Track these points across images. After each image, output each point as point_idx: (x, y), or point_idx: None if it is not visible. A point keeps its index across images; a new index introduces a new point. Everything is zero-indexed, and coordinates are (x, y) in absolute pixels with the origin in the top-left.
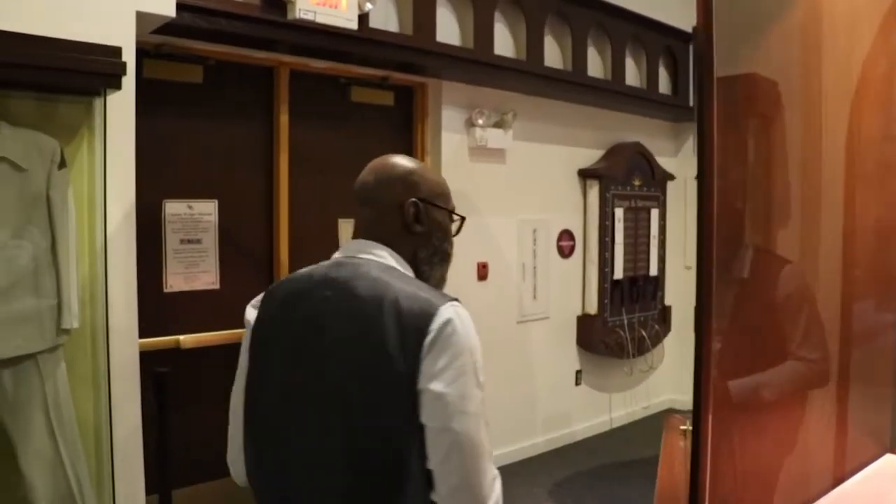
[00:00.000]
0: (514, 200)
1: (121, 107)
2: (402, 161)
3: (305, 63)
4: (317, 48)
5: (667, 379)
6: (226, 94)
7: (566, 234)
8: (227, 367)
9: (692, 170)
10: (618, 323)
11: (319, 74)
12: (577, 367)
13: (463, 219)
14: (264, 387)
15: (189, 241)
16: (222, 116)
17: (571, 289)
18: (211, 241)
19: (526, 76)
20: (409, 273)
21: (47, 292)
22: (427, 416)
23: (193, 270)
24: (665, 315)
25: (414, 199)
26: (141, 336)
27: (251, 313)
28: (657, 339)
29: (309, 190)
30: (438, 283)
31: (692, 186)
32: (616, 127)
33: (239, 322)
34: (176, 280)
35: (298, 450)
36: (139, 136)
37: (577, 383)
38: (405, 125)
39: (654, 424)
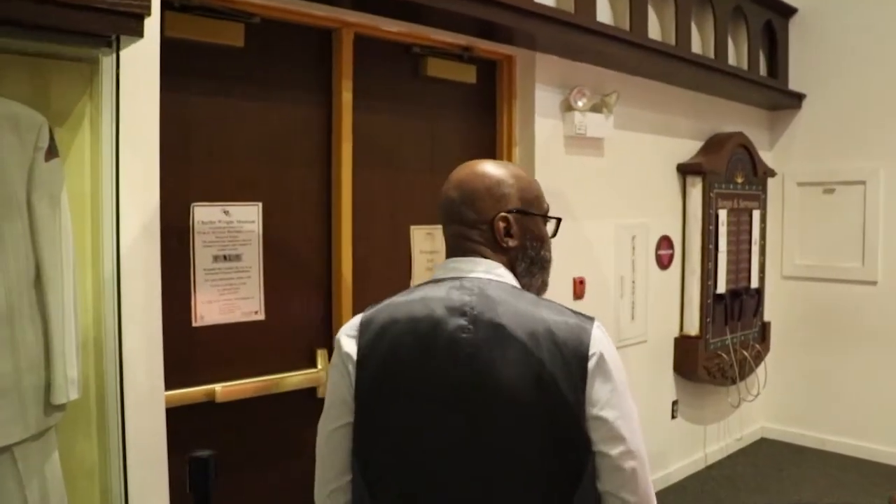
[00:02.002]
0: (612, 201)
1: (140, 67)
2: (487, 170)
3: (374, 25)
4: (387, 2)
5: (758, 403)
6: (273, 62)
7: (665, 241)
8: (283, 425)
9: (790, 165)
10: (720, 345)
11: (388, 41)
12: (674, 398)
13: (559, 220)
14: (393, 431)
15: (225, 258)
16: (268, 92)
17: (670, 306)
18: (253, 257)
19: (630, 49)
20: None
21: (30, 351)
22: (604, 444)
23: (231, 297)
24: (765, 333)
25: (503, 214)
26: None
27: (349, 344)
28: (758, 361)
29: (375, 189)
30: (539, 290)
31: (790, 185)
32: (714, 115)
33: (293, 363)
34: (208, 310)
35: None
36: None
37: (674, 416)
38: (489, 107)
39: (749, 459)
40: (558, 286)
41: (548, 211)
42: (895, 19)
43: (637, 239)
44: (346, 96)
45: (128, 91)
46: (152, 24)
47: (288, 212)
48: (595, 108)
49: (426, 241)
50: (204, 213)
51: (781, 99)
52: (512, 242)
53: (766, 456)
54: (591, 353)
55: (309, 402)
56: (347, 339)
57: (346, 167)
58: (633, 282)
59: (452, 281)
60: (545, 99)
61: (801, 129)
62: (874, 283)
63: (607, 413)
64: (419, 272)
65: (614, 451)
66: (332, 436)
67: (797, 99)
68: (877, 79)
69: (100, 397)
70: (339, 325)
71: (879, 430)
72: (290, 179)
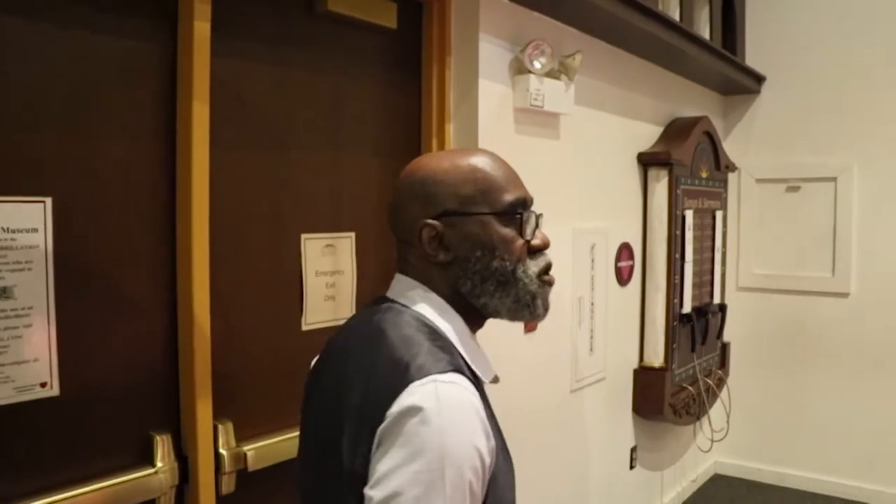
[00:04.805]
0: (570, 198)
1: None
2: (418, 164)
3: None
4: None
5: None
6: None
7: (626, 251)
8: None
9: (747, 158)
10: (685, 375)
11: None
12: (633, 444)
13: (524, 216)
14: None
15: None
16: (61, 12)
17: (629, 331)
18: (36, 290)
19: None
20: (452, 320)
21: None
22: None
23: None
24: (724, 356)
25: (428, 221)
26: None
27: None
28: (720, 388)
29: (247, 177)
30: (518, 313)
31: (748, 181)
32: (673, 96)
33: (111, 463)
34: None
35: None
36: None
37: (632, 465)
38: (415, 65)
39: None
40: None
41: (515, 205)
42: None
43: (596, 248)
44: (202, 28)
45: None
46: None
47: (99, 214)
48: (552, 75)
49: (325, 257)
50: None
51: (740, 82)
52: (444, 256)
53: (722, 497)
54: (391, 410)
55: None
56: None
57: (201, 142)
58: (592, 303)
59: (377, 302)
60: (491, 56)
61: (760, 117)
62: (846, 295)
63: (375, 493)
64: (315, 302)
65: None
66: None
67: (756, 81)
68: (847, 62)
69: None
70: (191, 388)
71: (848, 463)
72: (102, 160)
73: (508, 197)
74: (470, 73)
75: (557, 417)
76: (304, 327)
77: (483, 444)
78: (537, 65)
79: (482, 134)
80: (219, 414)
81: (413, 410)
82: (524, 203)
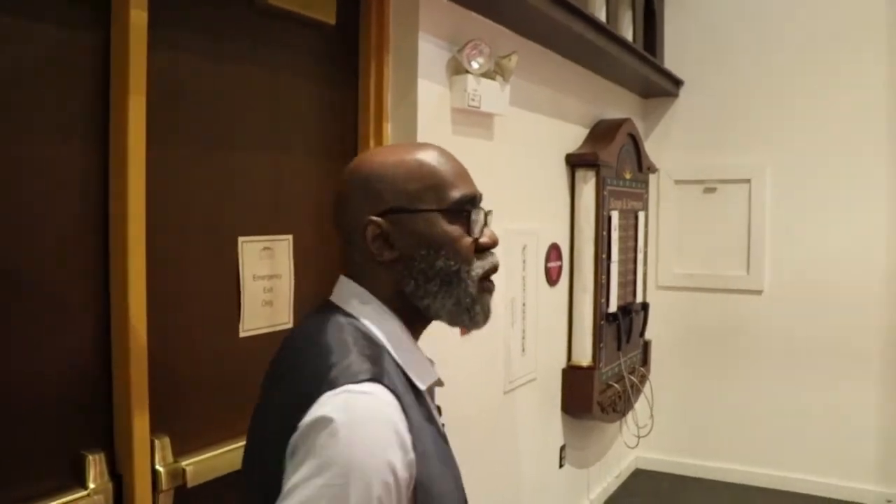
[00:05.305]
0: (503, 200)
1: None
2: (362, 160)
3: None
4: None
5: (632, 431)
6: None
7: (555, 251)
8: None
9: (666, 160)
10: (611, 373)
11: None
12: (562, 443)
13: (470, 212)
14: None
15: None
16: None
17: (558, 331)
18: None
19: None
20: (389, 325)
21: None
22: None
23: None
24: (646, 353)
25: (372, 219)
26: None
27: None
28: (643, 385)
29: (185, 176)
30: (459, 317)
31: (667, 182)
32: (597, 99)
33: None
34: None
35: None
36: None
37: (561, 464)
38: (354, 61)
39: (630, 498)
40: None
41: (463, 202)
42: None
43: (528, 249)
44: (138, 17)
45: None
46: None
47: (24, 215)
48: (487, 76)
49: (263, 261)
50: None
51: (660, 84)
52: (389, 255)
53: (645, 492)
54: (303, 421)
55: None
56: None
57: (137, 139)
58: (524, 304)
59: (321, 305)
60: (429, 55)
61: (678, 119)
62: (759, 292)
63: None
64: (253, 308)
65: None
66: None
67: (675, 85)
68: (761, 66)
69: None
70: (126, 401)
71: (766, 452)
72: (28, 158)
73: (456, 193)
74: (409, 72)
75: (491, 419)
76: (243, 334)
77: (397, 457)
78: (475, 65)
79: (421, 134)
80: (155, 428)
81: (323, 422)
82: (473, 200)
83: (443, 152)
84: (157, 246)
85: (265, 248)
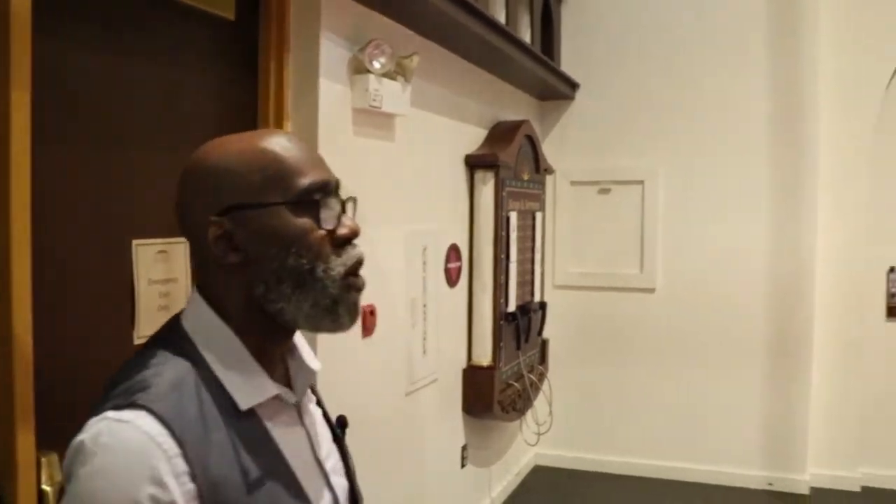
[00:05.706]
0: (402, 201)
1: None
2: (205, 152)
3: None
4: None
5: (530, 428)
6: None
7: (454, 252)
8: None
9: (562, 162)
10: (511, 372)
11: None
12: (463, 442)
13: (316, 200)
14: None
15: None
16: None
17: (458, 331)
18: None
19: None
20: (221, 341)
21: None
22: None
23: None
24: (544, 352)
25: (213, 218)
26: None
27: None
28: (541, 383)
29: (74, 176)
30: (319, 321)
31: (563, 183)
32: (495, 101)
33: None
34: None
35: None
36: None
37: (463, 464)
38: (253, 58)
39: (530, 495)
40: None
41: (311, 190)
42: (673, 9)
43: (428, 250)
44: (20, 3)
45: None
46: None
47: None
48: (388, 76)
49: (159, 265)
50: None
51: (556, 87)
52: (234, 257)
53: (545, 489)
54: (70, 447)
55: None
56: None
57: (20, 136)
58: (425, 305)
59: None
60: (330, 54)
61: (574, 122)
62: (652, 290)
63: None
64: (148, 313)
65: None
66: None
67: (571, 88)
68: (655, 72)
69: None
70: (10, 418)
71: (661, 445)
72: None
73: (303, 181)
74: (310, 71)
75: (393, 421)
76: (137, 340)
77: (146, 492)
78: (377, 65)
79: (322, 135)
80: (41, 445)
81: (77, 449)
82: (324, 187)
83: (290, 138)
84: (43, 249)
85: (160, 252)
